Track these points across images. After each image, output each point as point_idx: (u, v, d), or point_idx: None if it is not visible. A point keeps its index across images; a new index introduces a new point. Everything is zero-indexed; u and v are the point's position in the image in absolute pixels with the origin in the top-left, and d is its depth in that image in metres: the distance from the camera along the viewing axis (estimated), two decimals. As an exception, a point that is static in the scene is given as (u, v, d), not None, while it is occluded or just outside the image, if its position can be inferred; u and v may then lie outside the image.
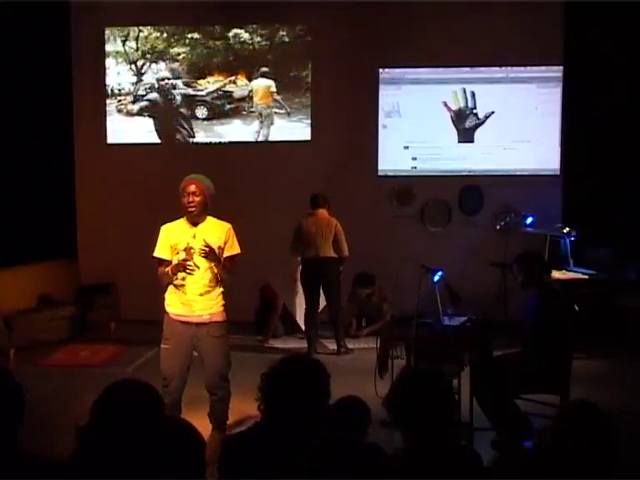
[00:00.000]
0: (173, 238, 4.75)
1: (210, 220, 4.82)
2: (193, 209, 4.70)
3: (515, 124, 8.96)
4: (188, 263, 4.63)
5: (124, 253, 8.66)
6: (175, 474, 2.13)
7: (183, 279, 4.70)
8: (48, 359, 7.39)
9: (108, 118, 9.25)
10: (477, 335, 5.25)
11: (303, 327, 7.96)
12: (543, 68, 8.89)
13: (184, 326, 4.76)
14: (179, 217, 4.85)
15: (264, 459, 2.52)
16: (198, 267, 4.68)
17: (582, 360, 6.01)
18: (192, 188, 4.70)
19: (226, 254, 4.79)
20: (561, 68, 8.85)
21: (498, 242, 8.07)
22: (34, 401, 2.63)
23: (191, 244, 4.68)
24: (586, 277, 7.38)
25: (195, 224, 4.75)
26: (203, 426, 4.67)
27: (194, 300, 4.73)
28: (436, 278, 5.28)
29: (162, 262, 4.78)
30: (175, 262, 4.68)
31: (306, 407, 2.57)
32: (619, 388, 6.11)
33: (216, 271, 4.72)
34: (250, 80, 9.18)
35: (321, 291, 7.63)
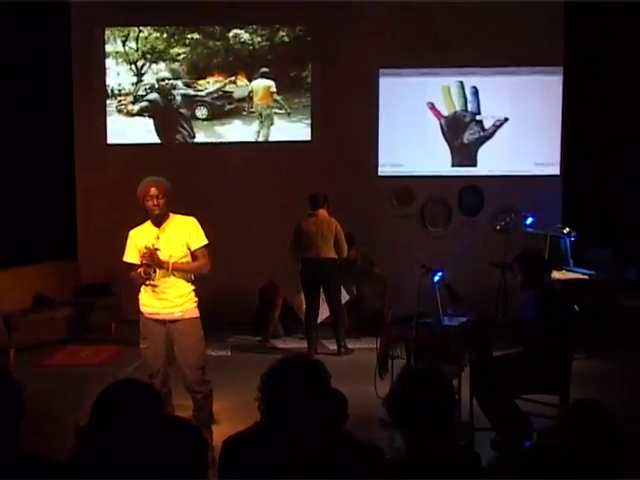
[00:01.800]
0: (139, 242, 4.82)
1: (173, 218, 4.88)
2: (158, 211, 4.77)
3: (516, 126, 8.91)
4: (147, 268, 4.69)
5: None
6: (177, 474, 2.13)
7: (152, 277, 4.76)
8: (49, 359, 7.40)
9: (108, 118, 9.24)
10: (477, 335, 5.25)
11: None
12: (543, 68, 8.89)
13: (158, 324, 4.85)
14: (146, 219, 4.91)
15: (264, 459, 2.52)
16: (155, 271, 4.74)
17: (582, 360, 6.01)
18: (154, 191, 4.78)
19: (194, 247, 4.83)
20: (561, 68, 8.84)
21: (498, 242, 8.07)
22: (34, 401, 2.64)
23: (156, 245, 4.74)
24: (586, 277, 7.37)
25: (159, 225, 4.81)
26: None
27: (164, 298, 4.80)
28: (436, 279, 5.29)
29: (132, 266, 4.85)
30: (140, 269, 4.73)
31: (306, 407, 2.57)
32: (619, 388, 6.10)
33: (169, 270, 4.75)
34: (250, 80, 9.18)
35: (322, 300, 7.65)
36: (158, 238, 4.76)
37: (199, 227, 4.90)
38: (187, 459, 2.16)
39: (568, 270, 7.47)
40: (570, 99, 8.79)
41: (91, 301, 8.48)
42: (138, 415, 2.34)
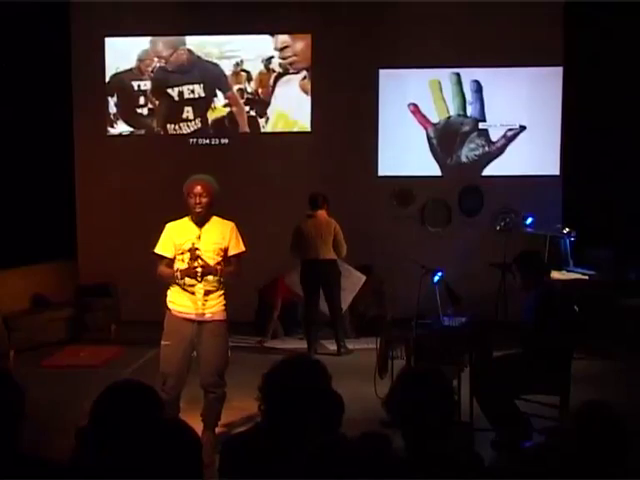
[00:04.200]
0: (177, 237, 4.78)
1: (215, 220, 4.86)
2: (200, 210, 4.74)
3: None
4: (198, 270, 4.65)
5: (124, 254, 8.66)
6: (173, 475, 2.13)
7: (185, 280, 4.73)
8: (48, 360, 7.39)
9: (108, 117, 9.25)
10: (477, 335, 5.25)
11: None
12: (543, 68, 8.88)
13: (186, 323, 4.80)
14: (183, 215, 4.87)
15: (265, 459, 2.51)
16: (201, 280, 4.72)
17: (582, 360, 6.01)
18: (199, 189, 4.74)
19: (231, 253, 4.83)
20: (561, 68, 8.84)
21: (498, 242, 8.07)
22: (34, 402, 2.63)
23: (196, 245, 4.72)
24: (586, 277, 7.38)
25: (200, 224, 4.78)
26: (199, 428, 4.67)
27: (198, 299, 4.76)
28: (436, 279, 5.29)
29: (162, 259, 4.82)
30: (183, 266, 4.70)
31: (307, 408, 2.57)
32: (619, 388, 6.10)
33: (219, 276, 4.76)
34: (250, 80, 9.18)
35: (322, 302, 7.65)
36: (199, 238, 4.74)
37: (239, 233, 4.90)
38: (184, 460, 2.16)
39: (568, 270, 7.47)
40: (570, 99, 8.78)
41: (90, 302, 8.47)
42: (137, 417, 2.34)
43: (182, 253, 4.73)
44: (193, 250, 4.69)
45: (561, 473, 2.41)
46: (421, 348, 5.06)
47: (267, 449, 2.53)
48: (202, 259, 4.69)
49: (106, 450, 2.30)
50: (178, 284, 4.76)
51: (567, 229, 7.59)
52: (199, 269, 4.66)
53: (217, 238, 4.78)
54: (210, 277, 4.74)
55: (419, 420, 2.49)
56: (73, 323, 8.20)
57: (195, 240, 4.73)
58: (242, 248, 4.90)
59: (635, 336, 7.39)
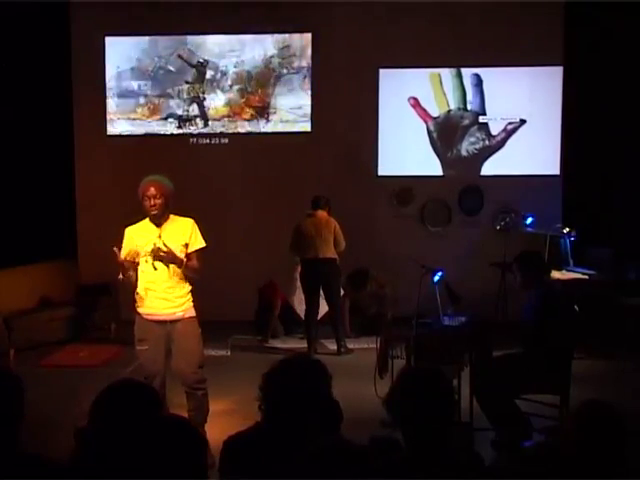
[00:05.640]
0: (139, 240, 4.79)
1: (173, 218, 4.86)
2: (156, 211, 4.75)
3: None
4: (160, 250, 4.65)
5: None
6: (177, 474, 2.13)
7: (152, 281, 4.77)
8: (48, 359, 7.39)
9: (108, 117, 9.24)
10: (477, 335, 5.25)
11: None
12: (543, 68, 8.88)
13: (158, 325, 4.83)
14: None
15: (265, 459, 2.51)
16: (168, 267, 4.74)
17: (582, 360, 6.01)
18: (152, 191, 4.76)
19: (191, 249, 4.83)
20: (561, 68, 8.84)
21: (498, 242, 8.07)
22: (34, 401, 2.63)
23: (158, 244, 4.73)
24: (586, 277, 7.38)
25: (159, 224, 4.80)
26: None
27: (165, 299, 4.78)
28: (436, 278, 5.29)
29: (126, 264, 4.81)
30: (147, 266, 4.72)
31: (307, 407, 2.57)
32: (619, 388, 6.10)
33: (182, 267, 4.77)
34: (250, 80, 9.18)
35: (321, 300, 7.65)
36: (160, 237, 4.75)
37: (197, 229, 4.90)
38: (186, 459, 2.15)
39: (568, 270, 7.47)
40: (570, 99, 8.79)
41: (91, 301, 8.47)
42: (137, 416, 2.34)
43: (145, 255, 4.74)
44: (156, 250, 4.70)
45: (561, 473, 2.41)
46: (421, 348, 5.06)
47: (267, 449, 2.53)
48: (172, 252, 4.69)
49: (106, 450, 2.30)
50: (145, 286, 4.76)
51: (567, 229, 7.60)
52: (163, 252, 4.66)
53: (178, 235, 4.80)
54: (173, 275, 4.73)
55: (419, 420, 2.49)
56: (73, 322, 8.21)
57: (157, 240, 4.74)
58: (203, 243, 4.88)
59: (635, 336, 7.38)
